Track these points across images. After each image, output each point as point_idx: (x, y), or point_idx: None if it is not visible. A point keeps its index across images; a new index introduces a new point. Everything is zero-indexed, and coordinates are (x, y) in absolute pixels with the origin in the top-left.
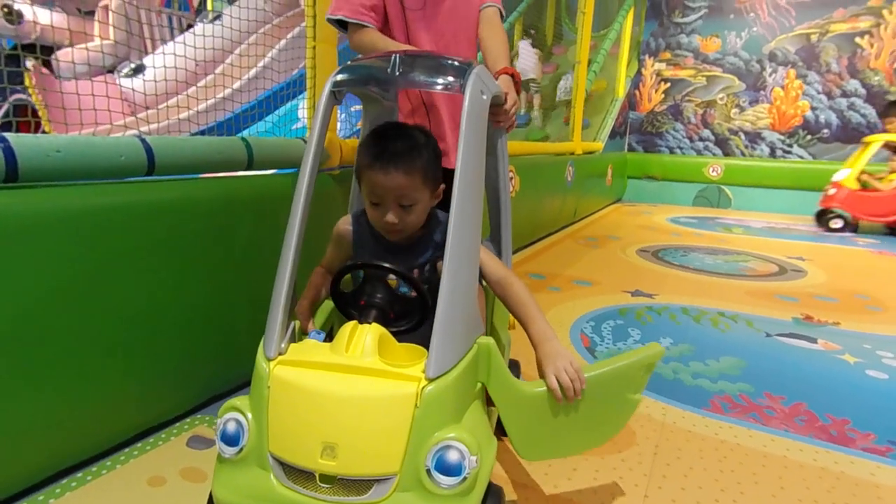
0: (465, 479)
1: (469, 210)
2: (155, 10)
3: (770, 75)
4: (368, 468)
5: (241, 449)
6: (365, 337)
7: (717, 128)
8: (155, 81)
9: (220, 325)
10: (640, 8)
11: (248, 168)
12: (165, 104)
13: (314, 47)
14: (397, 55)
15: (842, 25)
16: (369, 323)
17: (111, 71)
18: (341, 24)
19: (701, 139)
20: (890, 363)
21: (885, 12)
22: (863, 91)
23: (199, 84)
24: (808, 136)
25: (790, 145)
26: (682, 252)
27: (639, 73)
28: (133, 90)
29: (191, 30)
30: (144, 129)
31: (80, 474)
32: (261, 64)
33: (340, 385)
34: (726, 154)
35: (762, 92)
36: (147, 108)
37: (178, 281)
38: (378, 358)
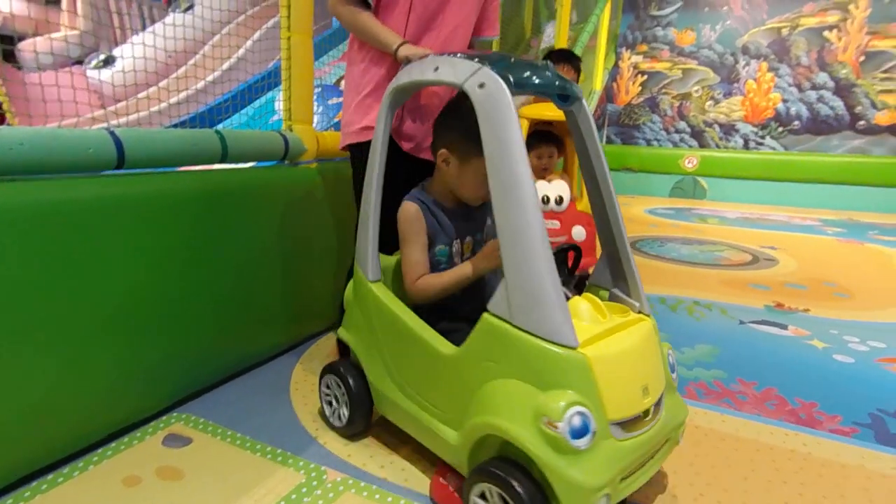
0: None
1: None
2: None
3: (743, 68)
4: (661, 388)
5: (594, 433)
6: (599, 304)
7: (693, 120)
8: (124, 73)
9: (195, 322)
10: (617, 1)
11: (223, 161)
12: (136, 97)
13: (289, 38)
14: (549, 64)
15: (811, 20)
16: (580, 294)
17: (80, 62)
18: None
19: (677, 131)
20: (855, 347)
21: (851, 7)
22: (831, 84)
23: (172, 76)
24: (780, 128)
25: (763, 137)
26: (658, 242)
27: (616, 65)
28: (101, 81)
29: (163, 20)
30: (115, 122)
31: (50, 476)
32: (236, 55)
33: (628, 340)
34: (702, 146)
35: (736, 84)
36: (118, 100)
37: (152, 277)
38: (617, 314)
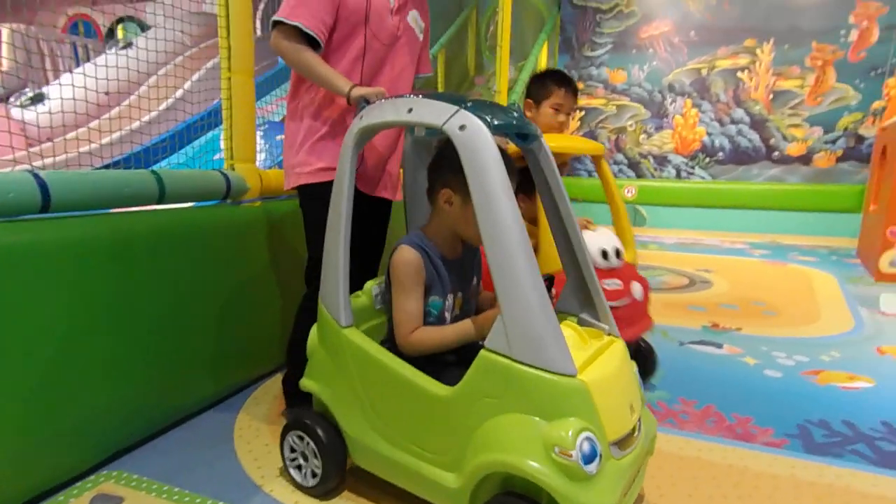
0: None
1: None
2: (56, 39)
3: (671, 104)
4: (641, 404)
5: (601, 456)
6: (580, 330)
7: (629, 152)
8: (50, 114)
9: (127, 373)
10: (554, 42)
11: (161, 202)
12: (64, 137)
13: (229, 78)
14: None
15: (725, 61)
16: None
17: (3, 100)
18: (281, 27)
19: (616, 162)
20: (783, 362)
21: (758, 51)
22: (748, 119)
23: (106, 116)
24: (707, 159)
25: (692, 167)
26: None
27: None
28: (25, 122)
29: (95, 60)
30: (40, 163)
31: None
32: (176, 94)
33: (611, 362)
34: (639, 176)
35: (665, 119)
36: (45, 140)
37: (77, 327)
38: (594, 339)
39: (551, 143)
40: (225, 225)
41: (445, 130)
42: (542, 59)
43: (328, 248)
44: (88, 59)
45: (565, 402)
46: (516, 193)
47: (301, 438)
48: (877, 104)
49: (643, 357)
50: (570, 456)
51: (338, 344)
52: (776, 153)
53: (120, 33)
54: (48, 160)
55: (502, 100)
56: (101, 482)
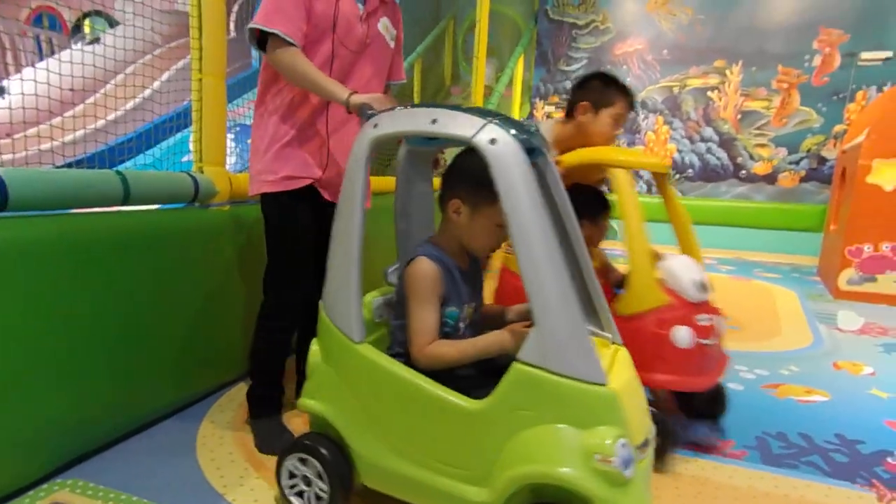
0: None
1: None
2: (18, 32)
3: (643, 121)
4: (647, 407)
5: (633, 460)
6: (594, 340)
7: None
8: (10, 109)
9: (84, 378)
10: (530, 55)
11: (125, 203)
12: (24, 133)
13: (200, 80)
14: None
15: (696, 80)
16: None
17: None
18: (273, 38)
19: None
20: (745, 376)
21: (727, 72)
22: (716, 137)
23: (70, 113)
24: (677, 175)
25: None
26: None
27: (531, 114)
28: None
29: (59, 54)
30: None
31: None
32: (143, 94)
33: (625, 369)
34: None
35: (637, 135)
36: (2, 136)
37: (32, 330)
38: (604, 348)
39: (617, 157)
40: (192, 229)
41: (475, 144)
42: (518, 72)
43: (337, 261)
44: (52, 54)
45: (600, 411)
46: (580, 217)
47: (304, 462)
48: (838, 128)
49: (721, 395)
50: (611, 462)
51: (349, 360)
52: (743, 171)
53: (87, 28)
54: (6, 157)
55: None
56: (56, 490)
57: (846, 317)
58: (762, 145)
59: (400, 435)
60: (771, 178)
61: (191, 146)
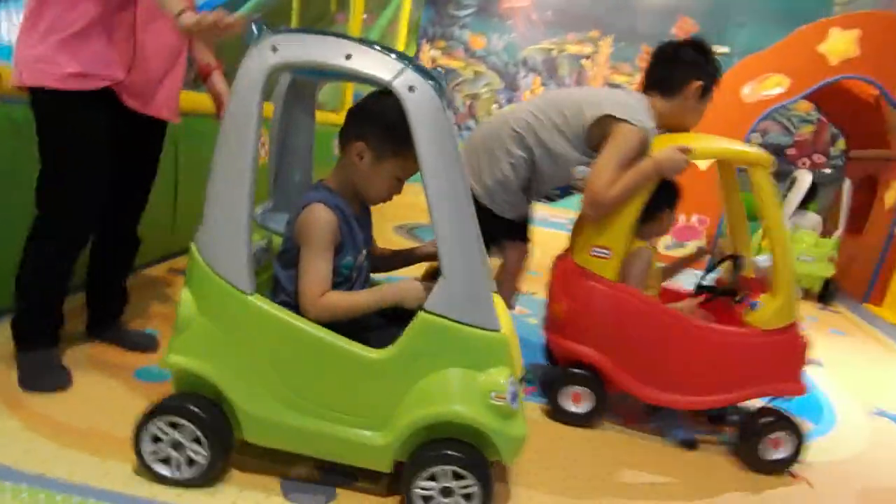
0: None
1: None
2: None
3: (522, 79)
4: None
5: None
6: None
7: (481, 119)
8: None
9: None
10: None
11: None
12: None
13: None
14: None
15: (573, 47)
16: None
17: None
18: None
19: (468, 128)
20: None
21: (600, 43)
22: None
23: None
24: None
25: None
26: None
27: (416, 56)
28: None
29: None
30: None
31: None
32: None
33: (505, 314)
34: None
35: (516, 93)
36: None
37: None
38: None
39: (713, 146)
40: None
41: (394, 88)
42: (405, 7)
43: (221, 203)
44: None
45: (495, 354)
46: (664, 207)
47: (175, 426)
48: None
49: None
50: (504, 398)
51: (237, 313)
52: None
53: None
54: None
55: None
56: None
57: None
58: None
59: (295, 387)
60: None
61: None
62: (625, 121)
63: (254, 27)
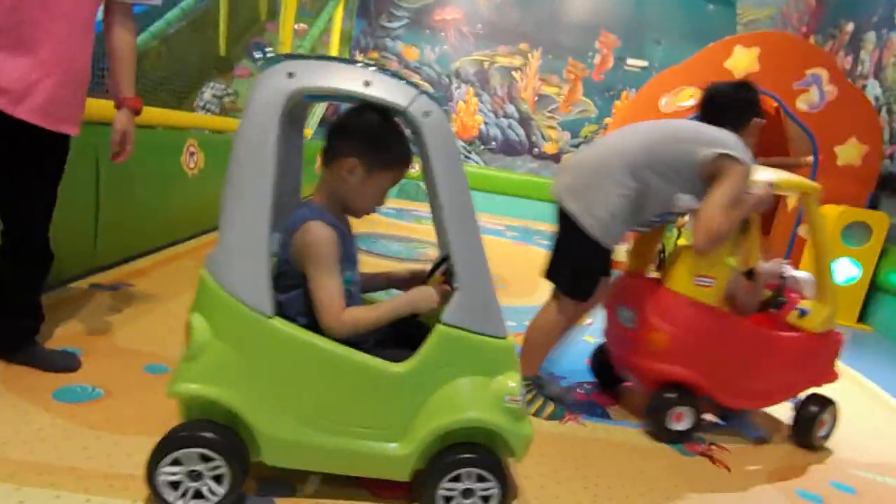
0: None
1: None
2: None
3: (456, 89)
4: None
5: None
6: None
7: None
8: None
9: None
10: (352, 5)
11: None
12: None
13: None
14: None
15: (503, 59)
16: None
17: None
18: None
19: None
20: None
21: (529, 55)
22: (517, 115)
23: None
24: (482, 146)
25: (469, 151)
26: (372, 239)
27: None
28: None
29: None
30: None
31: None
32: None
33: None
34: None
35: (450, 103)
36: None
37: None
38: None
39: (785, 179)
40: None
41: (409, 114)
42: (337, 19)
43: (238, 224)
44: None
45: (505, 360)
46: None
47: (198, 457)
48: (607, 120)
49: None
50: (518, 401)
51: (259, 336)
52: (536, 149)
53: None
54: None
55: (286, 49)
56: None
57: None
58: (552, 127)
59: (318, 406)
60: (556, 158)
61: None
62: (738, 160)
63: (255, 51)
